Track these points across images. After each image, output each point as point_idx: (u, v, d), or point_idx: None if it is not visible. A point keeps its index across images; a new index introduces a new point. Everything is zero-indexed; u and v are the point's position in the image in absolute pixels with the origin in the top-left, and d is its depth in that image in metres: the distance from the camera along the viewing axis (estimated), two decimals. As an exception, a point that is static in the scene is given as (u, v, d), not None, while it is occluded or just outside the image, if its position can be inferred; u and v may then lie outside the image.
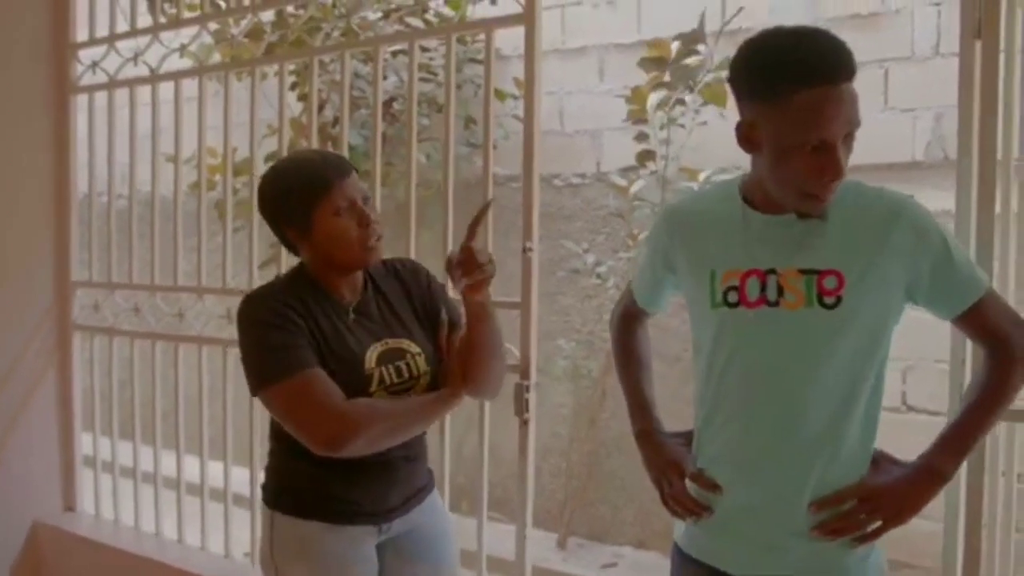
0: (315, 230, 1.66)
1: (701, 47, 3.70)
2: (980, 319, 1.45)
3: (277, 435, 1.75)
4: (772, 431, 1.44)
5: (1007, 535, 1.80)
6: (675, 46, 3.75)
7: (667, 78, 3.78)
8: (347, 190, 1.66)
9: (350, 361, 1.67)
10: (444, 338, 1.81)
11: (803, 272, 1.40)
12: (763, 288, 1.42)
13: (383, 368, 1.70)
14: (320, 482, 1.70)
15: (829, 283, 1.38)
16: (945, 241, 1.41)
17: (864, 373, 1.42)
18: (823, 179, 1.34)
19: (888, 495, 1.43)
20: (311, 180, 1.65)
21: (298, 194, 1.65)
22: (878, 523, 1.42)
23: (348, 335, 1.70)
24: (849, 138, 1.35)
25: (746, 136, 1.39)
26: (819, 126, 1.30)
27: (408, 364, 1.73)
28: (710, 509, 1.51)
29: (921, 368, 3.64)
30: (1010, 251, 1.77)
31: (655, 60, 3.78)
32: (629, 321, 1.75)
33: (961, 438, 1.46)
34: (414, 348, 1.75)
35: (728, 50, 4.05)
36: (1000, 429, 1.75)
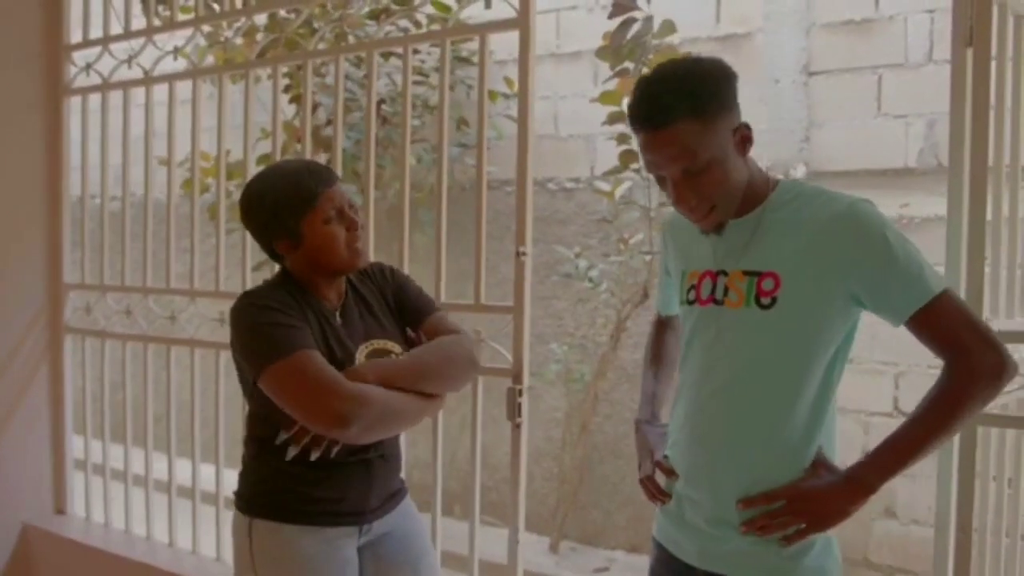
0: (306, 240, 1.70)
1: (636, 14, 3.62)
2: (930, 326, 1.41)
3: (256, 438, 1.75)
4: (711, 424, 1.52)
5: (997, 540, 1.80)
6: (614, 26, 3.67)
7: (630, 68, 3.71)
8: (334, 198, 1.70)
9: (341, 361, 1.69)
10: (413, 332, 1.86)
11: (747, 273, 1.48)
12: (713, 288, 1.52)
13: None
14: (301, 484, 1.71)
15: (767, 284, 1.46)
16: (888, 244, 1.40)
17: (804, 374, 1.45)
18: (678, 206, 1.49)
19: (814, 500, 1.45)
20: (299, 192, 1.68)
21: (287, 206, 1.68)
22: (801, 525, 1.45)
23: (335, 339, 1.73)
24: (698, 172, 1.42)
25: None
26: (650, 163, 1.46)
27: None
28: (670, 495, 1.60)
29: (913, 373, 3.65)
30: (1001, 257, 1.78)
31: (606, 48, 3.72)
32: (657, 327, 1.87)
33: (895, 453, 1.43)
34: (397, 349, 1.79)
35: (723, 56, 4.08)
36: (991, 435, 1.76)
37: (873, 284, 1.41)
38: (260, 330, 1.65)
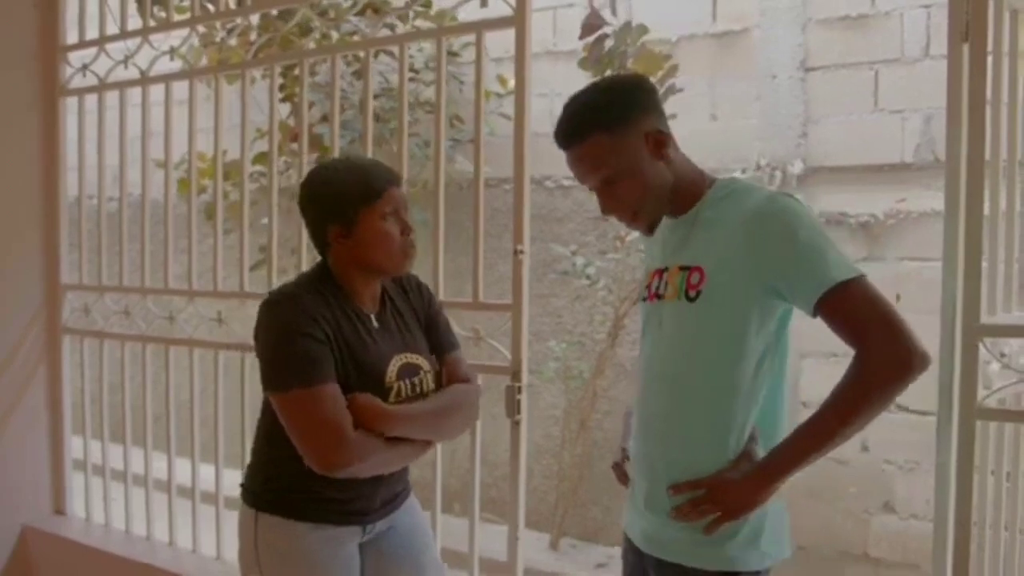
0: (359, 229, 1.72)
1: (607, 29, 3.68)
2: (835, 315, 1.41)
3: (270, 436, 1.75)
4: (649, 412, 1.60)
5: (996, 534, 1.81)
6: (587, 40, 3.74)
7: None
8: (395, 198, 1.74)
9: (373, 371, 1.72)
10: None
11: (681, 268, 1.55)
12: (659, 284, 1.61)
13: (402, 382, 1.76)
14: (310, 483, 1.71)
15: (694, 278, 1.52)
16: (795, 235, 1.42)
17: (731, 365, 1.49)
18: (604, 213, 1.62)
19: (730, 490, 1.48)
20: (366, 181, 1.72)
21: (351, 193, 1.71)
22: (717, 514, 1.49)
23: (372, 344, 1.74)
24: (615, 181, 1.54)
25: None
26: (576, 178, 1.60)
27: (422, 380, 1.81)
28: (631, 481, 1.68)
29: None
30: (999, 252, 1.78)
31: (587, 60, 3.79)
32: None
33: (799, 446, 1.45)
34: (426, 366, 1.83)
35: (720, 52, 4.08)
36: (990, 428, 1.76)
37: (784, 276, 1.44)
38: (276, 354, 1.67)
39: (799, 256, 1.42)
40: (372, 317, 1.78)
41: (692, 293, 1.51)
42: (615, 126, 1.51)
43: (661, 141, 1.53)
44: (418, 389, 1.79)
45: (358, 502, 1.77)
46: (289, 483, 1.74)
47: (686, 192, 1.56)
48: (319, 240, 1.78)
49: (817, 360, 3.71)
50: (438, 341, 1.89)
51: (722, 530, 1.49)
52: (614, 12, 3.69)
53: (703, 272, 1.51)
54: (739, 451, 1.50)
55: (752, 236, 1.46)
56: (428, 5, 3.48)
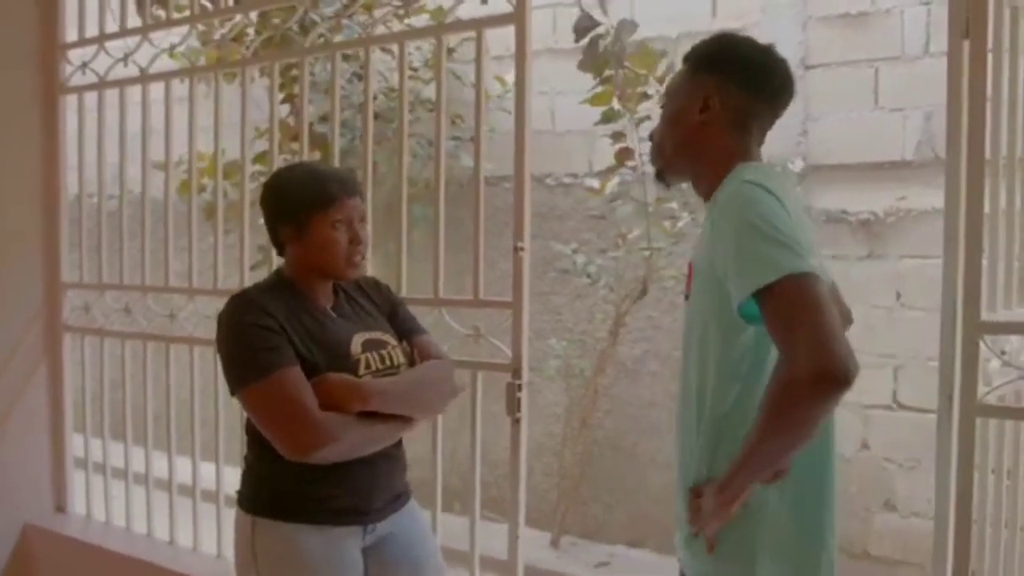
0: (309, 234, 1.76)
1: (599, 30, 3.69)
2: (764, 319, 1.29)
3: (257, 437, 1.75)
4: (677, 417, 1.54)
5: (997, 532, 1.80)
6: (583, 43, 3.75)
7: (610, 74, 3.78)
8: (348, 208, 1.78)
9: (337, 347, 1.74)
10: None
11: (690, 265, 1.52)
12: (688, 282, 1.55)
13: (368, 354, 1.78)
14: (305, 483, 1.71)
15: (692, 277, 1.49)
16: (736, 229, 1.33)
17: (716, 366, 1.41)
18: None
19: (705, 496, 1.42)
20: (319, 189, 1.76)
21: (304, 198, 1.76)
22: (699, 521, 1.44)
23: (332, 326, 1.77)
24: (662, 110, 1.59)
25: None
26: None
27: (390, 353, 1.82)
28: None
29: (912, 366, 3.66)
30: (999, 249, 1.78)
31: (586, 62, 3.80)
32: None
33: (742, 463, 1.34)
34: (392, 341, 1.85)
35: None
36: (990, 426, 1.76)
37: (726, 269, 1.35)
38: (232, 353, 1.70)
39: (734, 251, 1.33)
40: (328, 309, 1.82)
41: (687, 292, 1.50)
42: (698, 69, 1.53)
43: (708, 107, 1.49)
44: (388, 361, 1.80)
45: (354, 500, 1.76)
46: (282, 484, 1.73)
47: (709, 172, 1.49)
48: (274, 239, 1.84)
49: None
50: (405, 327, 1.92)
51: (696, 546, 1.44)
52: (605, 12, 3.69)
53: (691, 270, 1.49)
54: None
55: (714, 229, 1.40)
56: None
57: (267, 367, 1.64)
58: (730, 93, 1.49)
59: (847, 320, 1.61)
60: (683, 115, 1.51)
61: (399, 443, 1.87)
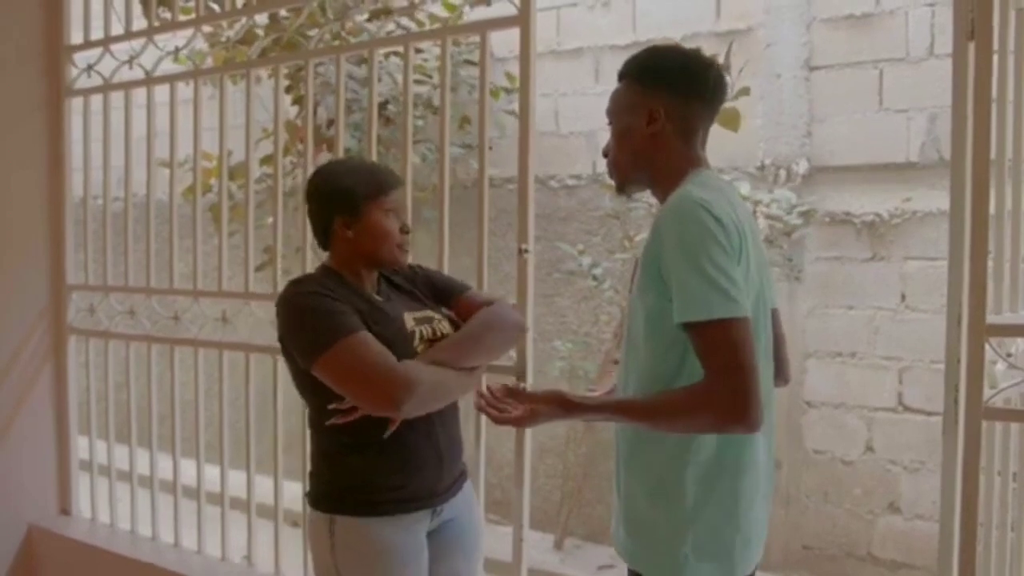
0: (363, 220, 1.83)
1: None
2: (692, 346, 1.42)
3: (320, 432, 1.80)
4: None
5: (1003, 535, 1.80)
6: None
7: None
8: (397, 198, 1.89)
9: (392, 323, 1.80)
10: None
11: (636, 260, 1.59)
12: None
13: (421, 327, 1.85)
14: (378, 474, 1.77)
15: (637, 273, 1.56)
16: (677, 250, 1.42)
17: (660, 362, 1.50)
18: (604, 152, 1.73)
19: (551, 406, 1.62)
20: (373, 178, 1.85)
21: (359, 186, 1.84)
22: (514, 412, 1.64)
23: (384, 307, 1.84)
24: (612, 128, 1.68)
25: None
26: None
27: (437, 327, 1.89)
28: None
29: (917, 369, 3.65)
30: (1004, 251, 1.77)
31: None
32: None
33: (616, 407, 1.56)
34: (438, 316, 1.93)
35: (721, 49, 4.08)
36: (996, 429, 1.76)
37: (669, 279, 1.44)
38: (306, 322, 1.74)
39: (675, 276, 1.42)
40: (374, 294, 1.89)
41: (632, 286, 1.59)
42: (638, 83, 1.60)
43: (654, 119, 1.56)
44: (438, 333, 1.87)
45: (425, 483, 1.82)
46: (357, 477, 1.79)
47: (664, 179, 1.59)
48: (323, 230, 1.88)
49: (821, 360, 3.70)
50: (447, 288, 2.00)
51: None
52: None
53: (636, 266, 1.56)
54: (679, 452, 1.50)
55: (654, 235, 1.48)
56: (453, 9, 3.45)
57: (345, 329, 1.69)
58: (673, 103, 1.57)
59: (782, 344, 1.71)
60: (632, 130, 1.60)
61: (458, 422, 1.94)
